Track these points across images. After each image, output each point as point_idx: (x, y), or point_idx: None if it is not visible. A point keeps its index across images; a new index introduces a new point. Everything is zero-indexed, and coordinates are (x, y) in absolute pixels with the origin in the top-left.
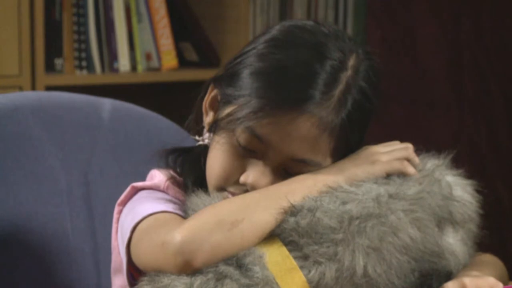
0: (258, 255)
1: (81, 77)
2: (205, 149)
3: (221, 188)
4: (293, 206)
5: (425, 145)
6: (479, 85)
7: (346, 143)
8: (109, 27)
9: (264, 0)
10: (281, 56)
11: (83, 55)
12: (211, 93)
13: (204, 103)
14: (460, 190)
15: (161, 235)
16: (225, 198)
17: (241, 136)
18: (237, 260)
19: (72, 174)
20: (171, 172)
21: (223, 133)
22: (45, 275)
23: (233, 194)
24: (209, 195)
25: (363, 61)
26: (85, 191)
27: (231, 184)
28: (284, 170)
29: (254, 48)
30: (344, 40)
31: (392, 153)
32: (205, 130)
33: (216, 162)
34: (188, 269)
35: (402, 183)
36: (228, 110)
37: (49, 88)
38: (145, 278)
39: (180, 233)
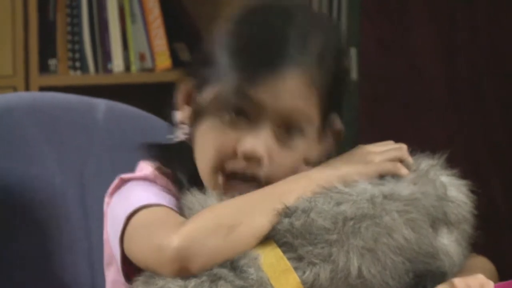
0: (253, 257)
1: (75, 77)
2: (185, 145)
3: (218, 170)
4: (287, 207)
5: (420, 145)
6: (475, 86)
7: (330, 102)
8: (103, 28)
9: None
10: (252, 25)
11: (77, 55)
12: (183, 89)
13: (177, 100)
14: (455, 191)
15: (158, 237)
16: (222, 189)
17: (231, 104)
18: (231, 262)
19: (67, 175)
20: (159, 163)
21: (209, 116)
22: (39, 275)
23: (233, 176)
24: (204, 193)
25: (332, 25)
26: (81, 191)
27: (229, 160)
28: (281, 133)
29: (222, 28)
30: (309, 9)
31: (385, 153)
32: (179, 126)
33: (208, 144)
34: (185, 274)
35: (396, 184)
36: (210, 91)
37: (43, 88)
38: (140, 279)
39: (178, 238)
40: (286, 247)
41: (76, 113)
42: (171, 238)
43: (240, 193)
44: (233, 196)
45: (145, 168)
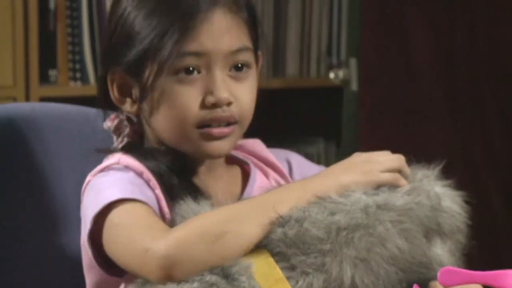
0: (245, 265)
1: (75, 88)
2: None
3: (202, 124)
4: (281, 217)
5: (418, 154)
6: (473, 94)
7: (254, 31)
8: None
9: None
10: None
11: (77, 66)
12: (112, 86)
13: (113, 100)
14: (449, 201)
15: (144, 240)
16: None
17: (179, 64)
18: (223, 270)
19: (66, 185)
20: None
21: (160, 86)
22: (39, 285)
23: (221, 120)
24: (198, 203)
25: None
26: (80, 201)
27: (207, 111)
28: (233, 71)
29: (124, 7)
30: None
31: (385, 163)
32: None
33: (174, 108)
34: (169, 279)
35: (390, 194)
36: (148, 67)
37: (43, 99)
38: (138, 281)
39: (164, 244)
40: (279, 256)
41: (76, 123)
42: (158, 243)
43: (227, 136)
44: (219, 153)
45: (111, 157)
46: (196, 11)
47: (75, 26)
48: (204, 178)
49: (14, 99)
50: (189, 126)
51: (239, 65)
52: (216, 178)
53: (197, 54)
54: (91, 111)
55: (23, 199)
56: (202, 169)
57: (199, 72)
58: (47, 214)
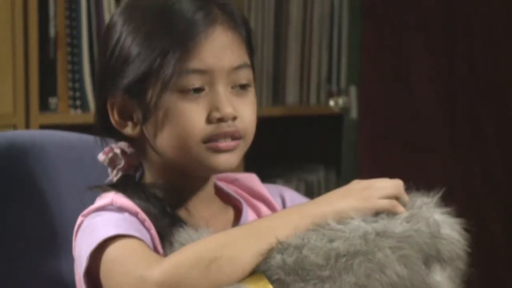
0: None
1: (76, 116)
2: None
3: (208, 139)
4: (280, 243)
5: (419, 183)
6: (474, 122)
7: (250, 48)
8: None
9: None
10: (149, 9)
11: (78, 94)
12: (112, 111)
13: (114, 124)
14: (448, 229)
15: (139, 269)
16: (215, 153)
17: (183, 82)
18: None
19: (66, 213)
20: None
21: (162, 106)
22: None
23: (227, 134)
24: (197, 230)
25: None
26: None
27: (213, 126)
28: (235, 88)
29: (120, 32)
30: None
31: (382, 190)
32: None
33: (180, 125)
34: None
35: (390, 221)
36: (150, 87)
37: (43, 127)
38: None
39: (159, 270)
40: (278, 283)
41: (76, 151)
42: (153, 271)
43: (233, 150)
44: (227, 166)
45: (104, 197)
46: (196, 29)
47: (75, 53)
48: (198, 216)
49: (14, 127)
50: (196, 142)
51: (241, 84)
52: (209, 216)
53: (200, 72)
54: (91, 139)
55: (22, 226)
56: (197, 207)
57: (202, 89)
58: (46, 242)
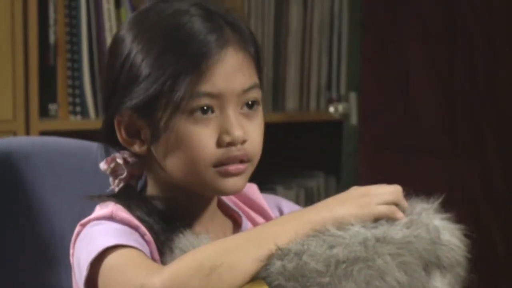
0: None
1: (75, 122)
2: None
3: (218, 164)
4: (280, 250)
5: (419, 190)
6: (474, 130)
7: (259, 67)
8: (102, 71)
9: (258, 2)
10: (178, 24)
11: (77, 100)
12: (120, 128)
13: (121, 141)
14: (448, 235)
15: (139, 277)
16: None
17: (194, 105)
18: None
19: (66, 220)
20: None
21: (172, 127)
22: None
23: (237, 158)
24: (197, 236)
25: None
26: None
27: (223, 150)
28: (244, 109)
29: (129, 49)
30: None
31: (381, 196)
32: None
33: (189, 147)
34: None
35: (389, 227)
36: (160, 108)
37: (43, 133)
38: None
39: (159, 279)
40: None
41: (76, 157)
42: (153, 279)
43: (241, 173)
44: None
45: (104, 206)
46: (209, 52)
47: (75, 60)
48: (199, 229)
49: (14, 133)
50: (205, 165)
51: (250, 102)
52: (210, 228)
53: (211, 95)
54: (92, 145)
55: (21, 233)
56: (199, 220)
57: (212, 111)
58: (45, 249)
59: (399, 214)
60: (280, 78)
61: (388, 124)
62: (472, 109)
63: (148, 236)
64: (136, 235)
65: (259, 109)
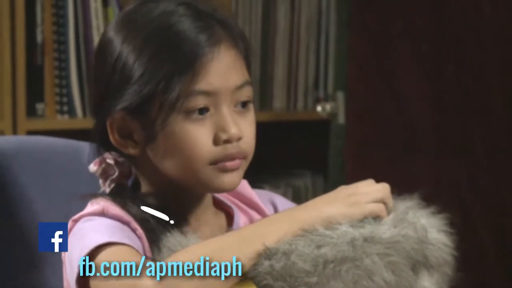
0: None
1: (63, 121)
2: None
3: (215, 161)
4: (268, 249)
5: (405, 188)
6: (461, 129)
7: (248, 63)
8: (90, 72)
9: (246, 1)
10: (150, 29)
11: (65, 99)
12: (112, 130)
13: (114, 143)
14: (436, 233)
15: (131, 278)
16: (222, 173)
17: (189, 104)
18: None
19: (53, 219)
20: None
21: (167, 127)
22: None
23: (233, 156)
24: (185, 235)
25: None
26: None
27: (220, 148)
28: (238, 107)
29: (119, 51)
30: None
31: (370, 195)
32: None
33: (186, 146)
34: None
35: (377, 227)
36: (154, 108)
37: (30, 132)
38: None
39: (151, 280)
40: None
41: (63, 157)
42: (145, 280)
43: (238, 168)
44: (232, 184)
45: (95, 203)
46: (202, 50)
47: (62, 59)
48: (192, 224)
49: (1, 133)
50: (203, 164)
51: (243, 101)
52: (204, 223)
53: (207, 93)
54: (79, 145)
55: (8, 232)
56: (193, 215)
57: (208, 110)
58: (32, 250)
59: (385, 213)
60: (267, 77)
61: (375, 123)
62: (460, 107)
63: (140, 231)
64: (128, 230)
65: (251, 107)
